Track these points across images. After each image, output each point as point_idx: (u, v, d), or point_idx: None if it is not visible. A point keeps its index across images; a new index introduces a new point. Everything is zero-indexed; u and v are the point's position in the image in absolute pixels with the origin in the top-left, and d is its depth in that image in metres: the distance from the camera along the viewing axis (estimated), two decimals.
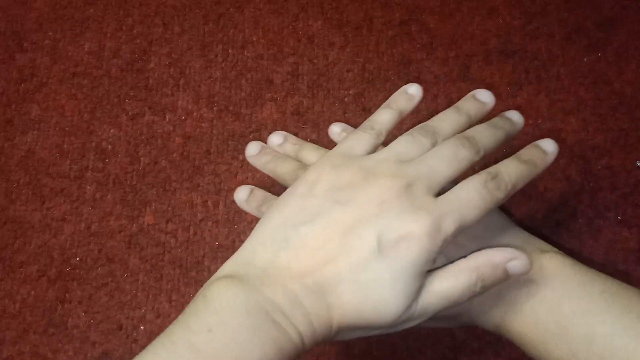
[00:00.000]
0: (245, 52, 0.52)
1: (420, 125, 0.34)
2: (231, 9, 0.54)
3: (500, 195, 0.30)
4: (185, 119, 0.50)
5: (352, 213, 0.29)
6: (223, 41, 0.53)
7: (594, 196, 0.46)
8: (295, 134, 0.49)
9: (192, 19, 0.54)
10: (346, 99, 0.50)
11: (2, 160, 0.49)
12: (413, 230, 0.28)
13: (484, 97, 0.36)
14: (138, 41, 0.53)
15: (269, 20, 0.53)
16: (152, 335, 0.43)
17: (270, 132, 0.50)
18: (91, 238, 0.46)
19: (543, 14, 0.53)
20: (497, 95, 0.51)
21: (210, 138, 0.49)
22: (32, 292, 0.44)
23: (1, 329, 0.43)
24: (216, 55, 0.52)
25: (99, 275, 0.45)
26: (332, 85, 0.51)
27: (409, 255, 0.27)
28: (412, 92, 0.37)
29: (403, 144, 0.32)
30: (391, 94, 0.52)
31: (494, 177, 0.30)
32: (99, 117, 0.50)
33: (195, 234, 0.46)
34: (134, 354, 0.42)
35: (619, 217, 0.45)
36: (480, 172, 0.31)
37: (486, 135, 0.33)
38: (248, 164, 0.49)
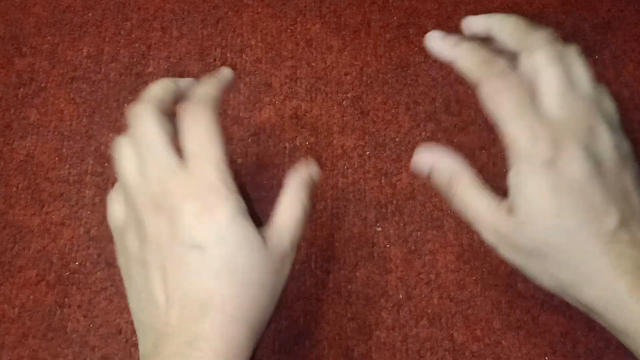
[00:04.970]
0: (243, 56, 0.52)
1: None
2: (229, 13, 0.54)
3: None
4: None
5: None
6: (221, 45, 0.53)
7: None
8: (294, 138, 0.49)
9: (190, 23, 0.54)
10: (344, 102, 0.50)
11: (1, 164, 0.49)
12: None
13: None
14: (136, 45, 0.53)
15: (267, 24, 0.54)
16: None
17: (269, 136, 0.50)
18: (90, 242, 0.46)
19: (540, 16, 0.54)
20: None
21: None
22: (31, 297, 0.44)
23: (0, 333, 0.43)
24: (214, 59, 0.52)
25: (98, 280, 0.45)
26: (331, 88, 0.51)
27: None
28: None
29: None
30: (390, 97, 0.52)
31: None
32: (97, 122, 0.50)
33: None
34: (134, 358, 0.42)
35: None
36: None
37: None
38: (246, 168, 0.49)
